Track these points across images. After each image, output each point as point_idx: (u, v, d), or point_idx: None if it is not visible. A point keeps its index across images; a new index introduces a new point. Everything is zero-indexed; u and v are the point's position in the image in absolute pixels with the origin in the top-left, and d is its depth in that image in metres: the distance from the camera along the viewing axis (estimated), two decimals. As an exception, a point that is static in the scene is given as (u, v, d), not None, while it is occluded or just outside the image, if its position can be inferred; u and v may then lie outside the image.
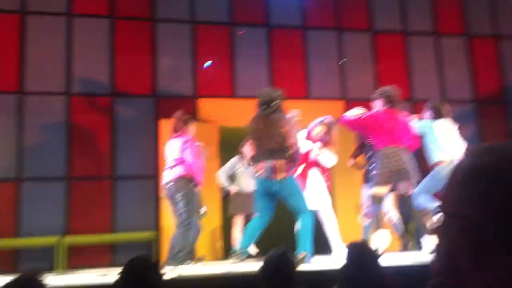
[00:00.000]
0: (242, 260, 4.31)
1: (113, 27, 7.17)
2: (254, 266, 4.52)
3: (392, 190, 4.88)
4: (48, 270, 6.11)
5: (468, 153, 0.67)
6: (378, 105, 4.93)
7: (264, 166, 4.39)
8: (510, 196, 0.58)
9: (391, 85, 5.11)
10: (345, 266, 2.46)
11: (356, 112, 4.96)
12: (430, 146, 5.03)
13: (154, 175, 6.75)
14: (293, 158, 4.39)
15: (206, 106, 7.16)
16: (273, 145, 4.36)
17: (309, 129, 5.50)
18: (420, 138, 5.12)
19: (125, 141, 6.86)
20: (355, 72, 7.89)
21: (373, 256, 2.43)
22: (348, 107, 7.65)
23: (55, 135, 6.67)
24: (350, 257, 2.46)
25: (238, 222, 6.28)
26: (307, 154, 5.36)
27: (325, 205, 5.30)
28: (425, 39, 8.34)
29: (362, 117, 4.84)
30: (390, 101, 4.85)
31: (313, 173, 5.35)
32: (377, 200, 4.73)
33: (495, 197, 0.59)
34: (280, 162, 4.34)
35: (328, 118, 5.45)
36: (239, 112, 7.17)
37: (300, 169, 5.33)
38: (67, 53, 6.92)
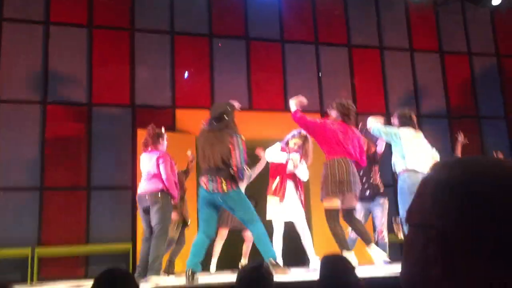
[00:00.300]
0: (194, 277, 4.14)
1: (91, 36, 7.12)
2: (230, 278, 4.51)
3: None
4: (21, 281, 5.99)
5: (438, 166, 0.68)
6: (332, 115, 4.93)
7: (207, 180, 4.34)
8: (478, 208, 0.60)
9: (348, 100, 5.11)
10: (321, 278, 2.48)
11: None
12: (394, 154, 5.01)
13: (130, 186, 6.68)
14: (236, 177, 4.31)
15: (184, 116, 7.15)
16: (217, 162, 4.29)
17: (285, 140, 5.53)
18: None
19: (101, 151, 6.78)
20: (332, 85, 7.99)
21: (348, 268, 2.46)
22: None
23: (30, 144, 6.56)
24: (326, 268, 2.48)
25: (222, 234, 6.26)
26: (283, 166, 5.39)
27: (300, 217, 5.35)
28: (401, 54, 8.51)
29: (312, 121, 4.81)
30: (344, 114, 4.81)
31: (288, 185, 5.39)
32: (332, 216, 4.57)
33: (464, 209, 0.60)
34: (223, 178, 4.28)
35: (303, 131, 5.47)
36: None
37: (276, 181, 5.36)
38: (44, 61, 6.84)
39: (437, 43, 8.75)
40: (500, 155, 6.06)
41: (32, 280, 6.03)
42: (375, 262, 4.66)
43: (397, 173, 4.96)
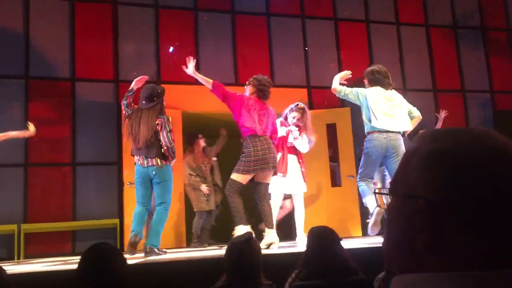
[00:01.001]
0: (138, 240, 4.56)
1: (73, 9, 6.96)
2: (218, 251, 4.56)
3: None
4: (7, 258, 5.98)
5: (425, 137, 0.68)
6: (247, 91, 4.90)
7: (141, 158, 4.66)
8: (468, 180, 0.60)
9: (265, 76, 5.03)
10: (307, 248, 2.51)
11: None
12: (363, 116, 4.84)
13: (116, 161, 6.65)
14: (166, 155, 4.64)
15: (169, 92, 7.06)
16: (142, 142, 4.58)
17: (284, 115, 5.55)
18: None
19: (85, 127, 6.71)
20: (318, 59, 7.96)
21: (334, 238, 2.49)
22: (310, 95, 7.76)
23: (13, 120, 6.45)
24: (312, 239, 2.52)
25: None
26: (284, 141, 5.43)
27: (299, 190, 5.42)
28: (387, 27, 8.48)
29: (229, 93, 4.74)
30: (260, 90, 4.80)
31: (290, 159, 5.43)
32: (235, 188, 4.63)
33: (455, 180, 0.61)
34: (156, 156, 4.62)
35: (301, 104, 5.52)
36: (202, 98, 7.13)
37: (278, 157, 5.36)
38: (25, 36, 6.68)
39: (423, 17, 8.73)
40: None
41: (19, 257, 6.02)
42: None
43: (366, 133, 4.83)
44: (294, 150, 5.51)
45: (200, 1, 7.58)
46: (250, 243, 2.35)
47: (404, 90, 8.23)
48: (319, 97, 7.68)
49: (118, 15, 7.14)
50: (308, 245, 2.55)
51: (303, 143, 5.47)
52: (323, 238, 2.49)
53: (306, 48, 7.95)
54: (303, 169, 5.50)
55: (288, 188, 5.43)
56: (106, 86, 6.92)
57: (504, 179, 0.60)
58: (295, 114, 5.46)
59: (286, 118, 5.52)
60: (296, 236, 5.53)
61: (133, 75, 7.05)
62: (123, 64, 7.05)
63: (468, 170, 0.60)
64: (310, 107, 7.14)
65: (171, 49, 7.38)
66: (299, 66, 7.84)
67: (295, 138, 5.41)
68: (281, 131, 5.37)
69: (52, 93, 6.69)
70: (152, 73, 7.17)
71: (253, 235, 2.50)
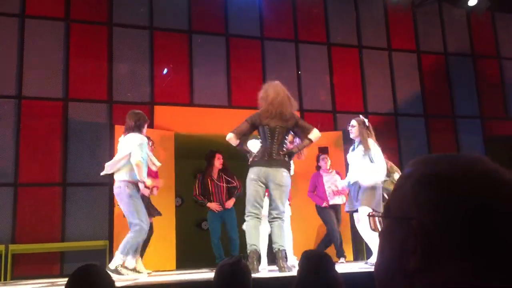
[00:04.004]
0: None
1: (68, 30, 7.00)
2: (208, 274, 4.51)
3: None
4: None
5: (420, 161, 0.70)
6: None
7: None
8: (460, 202, 0.61)
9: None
10: (301, 273, 2.48)
11: None
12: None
13: (107, 182, 6.60)
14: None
15: (162, 113, 7.10)
16: None
17: None
18: None
19: (77, 147, 6.68)
20: (311, 83, 8.03)
21: (329, 264, 2.47)
22: (303, 118, 7.79)
23: (4, 139, 6.42)
24: (306, 264, 2.49)
25: None
26: None
27: (285, 215, 5.32)
28: (379, 53, 8.60)
29: None
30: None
31: None
32: None
33: (447, 202, 0.62)
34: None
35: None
36: (195, 120, 7.16)
37: None
38: (19, 55, 6.70)
39: (414, 43, 8.87)
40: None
41: (6, 278, 5.91)
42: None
43: None
44: None
45: (194, 24, 7.66)
46: (239, 266, 2.32)
47: (395, 115, 8.33)
48: (312, 120, 7.67)
49: (113, 36, 7.18)
50: (301, 270, 2.52)
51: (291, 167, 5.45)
52: (317, 263, 2.46)
53: (299, 72, 8.02)
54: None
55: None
56: (100, 107, 6.92)
57: (494, 201, 0.61)
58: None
59: None
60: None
61: (127, 96, 7.08)
62: (117, 85, 7.07)
63: (459, 193, 0.62)
64: (303, 130, 7.16)
65: (165, 70, 7.43)
66: (292, 89, 7.87)
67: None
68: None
69: (45, 113, 6.67)
70: (145, 94, 7.20)
71: (242, 258, 2.48)
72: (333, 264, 2.48)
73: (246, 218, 4.56)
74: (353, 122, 5.22)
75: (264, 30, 8.02)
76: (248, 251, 4.41)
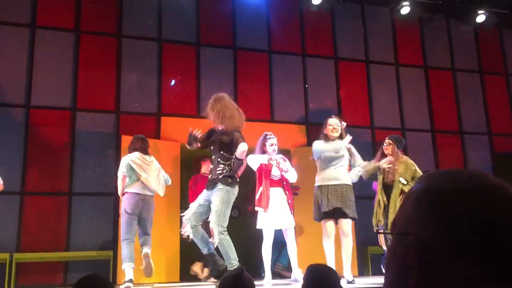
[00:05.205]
0: None
1: (78, 41, 7.08)
2: (209, 287, 4.48)
3: None
4: (-3, 288, 5.88)
5: (423, 177, 0.71)
6: None
7: None
8: (454, 216, 0.62)
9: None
10: (303, 287, 2.47)
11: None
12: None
13: (113, 193, 6.62)
14: None
15: (169, 124, 7.13)
16: None
17: (258, 146, 5.51)
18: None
19: (84, 157, 6.71)
20: (318, 97, 8.04)
21: (334, 278, 2.45)
22: (309, 131, 7.79)
23: (12, 147, 6.46)
24: (311, 278, 2.47)
25: None
26: (266, 174, 5.35)
27: (288, 225, 5.30)
28: (386, 68, 8.61)
29: None
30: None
31: (275, 192, 5.35)
32: None
33: (442, 216, 0.63)
34: None
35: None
36: (202, 132, 7.17)
37: (259, 191, 5.32)
38: (29, 64, 6.77)
39: (422, 58, 8.88)
40: None
41: (9, 287, 5.91)
42: None
43: None
44: (280, 182, 5.39)
45: (203, 37, 7.72)
46: (241, 278, 2.31)
47: (402, 130, 8.31)
48: (317, 133, 7.70)
49: (122, 48, 7.25)
50: (305, 284, 2.50)
51: (293, 173, 5.42)
52: (322, 278, 2.44)
53: (306, 86, 8.05)
54: (289, 201, 5.35)
55: (277, 223, 5.28)
56: (107, 117, 6.97)
57: (501, 216, 0.61)
58: (273, 141, 5.44)
59: (262, 148, 5.45)
60: (291, 271, 5.45)
61: (134, 106, 7.13)
62: (124, 96, 7.12)
63: (455, 206, 0.62)
64: (309, 143, 7.16)
65: (172, 82, 7.47)
66: (298, 103, 7.92)
67: (285, 171, 5.35)
68: (258, 161, 5.33)
69: (53, 122, 6.72)
70: (153, 105, 7.24)
71: (244, 270, 2.46)
72: (338, 278, 2.45)
73: (223, 233, 4.52)
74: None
75: (272, 43, 8.06)
76: (234, 266, 4.35)
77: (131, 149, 5.47)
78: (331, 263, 4.85)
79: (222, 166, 4.62)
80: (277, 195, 5.32)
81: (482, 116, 8.93)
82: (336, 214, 4.96)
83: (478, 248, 0.60)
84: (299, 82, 8.04)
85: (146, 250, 5.10)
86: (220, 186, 4.55)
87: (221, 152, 4.67)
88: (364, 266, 7.25)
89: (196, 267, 6.31)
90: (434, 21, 8.98)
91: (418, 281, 0.63)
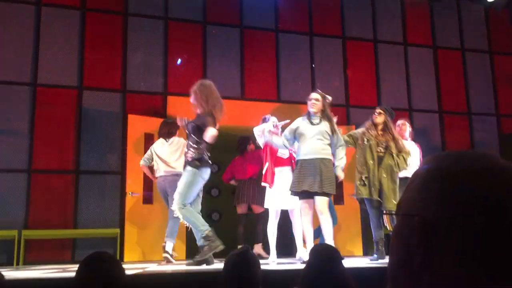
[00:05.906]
0: None
1: (84, 18, 7.03)
2: (217, 264, 4.54)
3: None
4: (7, 264, 5.97)
5: (429, 159, 0.70)
6: None
7: None
8: (461, 198, 0.61)
9: None
10: (307, 267, 2.49)
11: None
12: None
13: (119, 171, 6.66)
14: None
15: (175, 103, 7.11)
16: None
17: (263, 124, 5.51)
18: None
19: (91, 136, 6.73)
20: (325, 77, 7.98)
21: (336, 257, 2.47)
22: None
23: (19, 125, 6.49)
24: (313, 257, 2.49)
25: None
26: (272, 152, 5.34)
27: (294, 205, 5.29)
28: (394, 48, 8.52)
29: None
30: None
31: (283, 172, 5.34)
32: None
33: (446, 196, 0.62)
34: None
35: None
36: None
37: (265, 167, 5.33)
38: (35, 42, 6.75)
39: (431, 38, 8.77)
40: None
41: (18, 263, 6.01)
42: None
43: None
44: (288, 161, 5.36)
45: (209, 15, 7.65)
46: (245, 256, 2.33)
47: (410, 111, 8.26)
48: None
49: (128, 26, 7.21)
50: (308, 263, 2.52)
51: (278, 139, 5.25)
52: (324, 257, 2.46)
53: (313, 65, 7.98)
54: None
55: (284, 203, 5.28)
56: (113, 96, 6.96)
57: (498, 196, 0.60)
58: (274, 119, 5.50)
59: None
60: (296, 251, 5.49)
61: (140, 85, 7.11)
62: (131, 75, 7.10)
63: (459, 187, 0.62)
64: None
65: (179, 61, 7.43)
66: (305, 82, 7.87)
67: (275, 126, 5.33)
68: (262, 127, 5.33)
69: (59, 101, 6.72)
70: (159, 84, 7.22)
71: (250, 248, 2.48)
72: (340, 257, 2.48)
73: (184, 207, 4.64)
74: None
75: (279, 22, 7.98)
76: (208, 232, 4.60)
77: (158, 136, 6.16)
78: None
79: (193, 149, 4.74)
80: (285, 175, 5.31)
81: (491, 97, 8.84)
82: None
83: (484, 229, 0.59)
84: (306, 62, 7.97)
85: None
86: (188, 168, 4.72)
87: (192, 135, 4.83)
88: (369, 247, 7.29)
89: (257, 248, 6.19)
90: (444, 0, 8.83)
91: (423, 261, 0.63)
